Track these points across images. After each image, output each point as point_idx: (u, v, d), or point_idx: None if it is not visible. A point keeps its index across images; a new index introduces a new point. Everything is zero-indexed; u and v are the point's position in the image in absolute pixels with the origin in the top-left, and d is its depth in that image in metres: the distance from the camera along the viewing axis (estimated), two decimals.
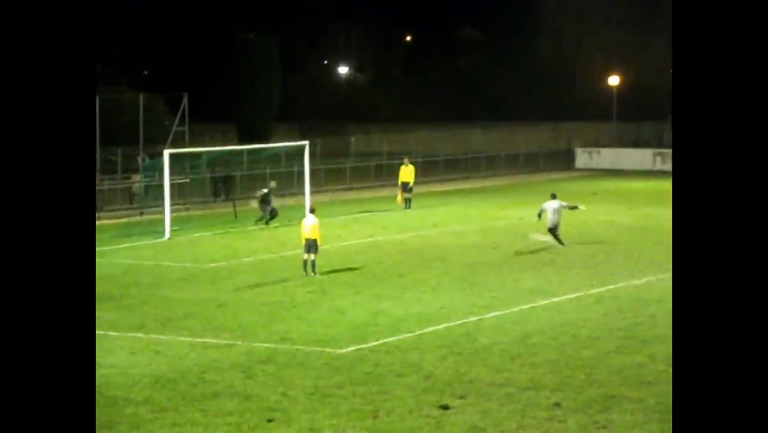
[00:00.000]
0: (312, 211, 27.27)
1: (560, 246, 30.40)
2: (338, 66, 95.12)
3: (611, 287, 24.75)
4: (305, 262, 26.36)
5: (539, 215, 31.10)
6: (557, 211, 30.61)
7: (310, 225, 26.36)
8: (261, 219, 36.57)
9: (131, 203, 43.36)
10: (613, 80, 69.32)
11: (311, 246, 26.20)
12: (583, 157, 64.27)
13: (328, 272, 26.68)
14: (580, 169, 62.51)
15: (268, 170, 47.71)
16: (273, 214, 36.72)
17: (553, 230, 30.67)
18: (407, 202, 42.12)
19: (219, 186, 46.34)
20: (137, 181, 44.00)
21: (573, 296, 23.70)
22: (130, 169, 45.31)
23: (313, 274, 26.10)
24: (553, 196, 31.19)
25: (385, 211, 41.56)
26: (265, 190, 37.42)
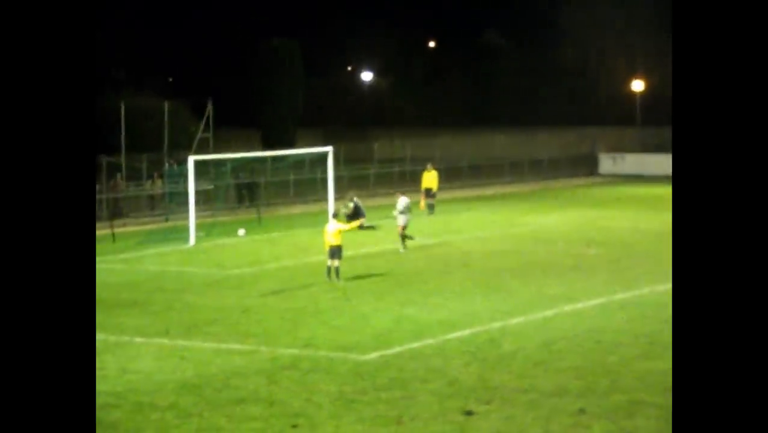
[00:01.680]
0: (335, 216, 27.31)
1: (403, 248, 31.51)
2: (362, 72, 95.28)
3: (635, 292, 24.69)
4: (329, 268, 26.43)
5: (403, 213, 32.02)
6: (408, 208, 32.11)
7: (333, 231, 26.44)
8: (369, 226, 36.33)
9: (152, 209, 43.56)
10: (637, 85, 69.12)
11: (335, 252, 26.28)
12: (606, 163, 64.10)
13: (352, 278, 26.75)
14: (603, 175, 62.34)
15: (291, 177, 47.88)
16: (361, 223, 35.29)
17: (404, 228, 31.73)
18: (430, 208, 42.13)
19: (243, 192, 46.51)
20: (158, 188, 44.16)
21: (597, 301, 23.66)
22: (153, 175, 45.51)
23: (336, 280, 26.17)
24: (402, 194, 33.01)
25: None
26: (351, 204, 37.25)
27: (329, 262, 26.44)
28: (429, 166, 43.83)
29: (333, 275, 26.29)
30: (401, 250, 31.84)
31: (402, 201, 32.43)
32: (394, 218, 32.71)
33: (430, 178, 42.87)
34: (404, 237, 32.14)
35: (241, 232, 34.14)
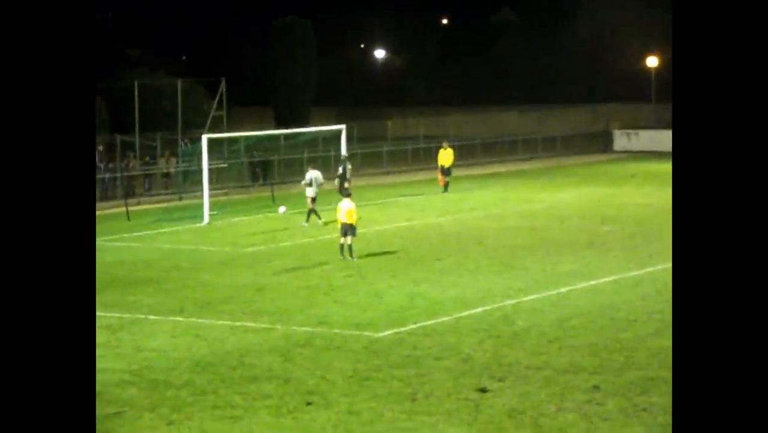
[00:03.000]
0: (348, 195, 27.32)
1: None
2: (375, 50, 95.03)
3: (650, 269, 24.64)
4: (342, 246, 26.46)
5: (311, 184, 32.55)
6: (318, 182, 32.77)
7: (346, 209, 26.45)
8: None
9: (166, 187, 43.63)
10: (652, 61, 68.76)
11: (347, 230, 26.30)
12: (621, 139, 63.85)
13: (366, 256, 26.76)
14: (617, 152, 62.11)
15: (305, 155, 47.84)
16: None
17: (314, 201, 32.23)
18: (445, 186, 42.10)
19: (257, 170, 46.52)
20: (171, 165, 44.21)
21: (611, 278, 23.62)
22: (165, 153, 45.55)
23: (350, 258, 26.19)
24: (314, 168, 33.36)
25: (423, 195, 41.56)
26: (339, 169, 37.01)
27: (342, 240, 26.46)
28: (444, 144, 43.77)
29: (346, 252, 26.31)
30: (304, 224, 32.53)
31: (309, 174, 33.17)
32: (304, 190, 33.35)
33: (445, 156, 42.82)
34: (312, 211, 32.64)
35: (282, 209, 33.43)
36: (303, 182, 33.78)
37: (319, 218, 32.60)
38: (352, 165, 40.81)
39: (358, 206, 27.28)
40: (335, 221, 27.45)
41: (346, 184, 35.70)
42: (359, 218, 26.30)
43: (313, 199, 32.96)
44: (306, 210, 33.17)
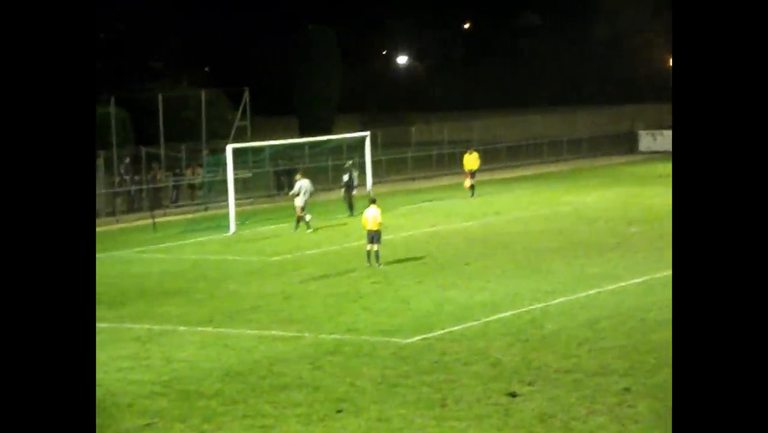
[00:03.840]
0: (373, 201, 27.35)
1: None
2: (397, 56, 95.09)
3: None
4: (368, 252, 26.48)
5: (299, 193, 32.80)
6: (307, 192, 33.26)
7: (372, 216, 26.46)
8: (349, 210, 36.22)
9: (192, 199, 43.78)
10: None
11: (374, 237, 26.32)
12: (646, 140, 63.55)
13: (392, 262, 26.74)
14: (643, 152, 61.82)
15: (330, 162, 47.91)
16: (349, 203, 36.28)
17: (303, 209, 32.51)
18: (471, 189, 42.06)
19: (282, 179, 46.61)
20: (198, 177, 44.40)
21: (639, 280, 23.50)
22: (191, 165, 45.70)
23: (377, 264, 26.20)
24: (304, 174, 34.11)
25: (448, 199, 41.52)
26: (345, 177, 37.06)
27: (368, 246, 26.49)
28: (471, 148, 43.81)
29: (373, 259, 26.32)
30: (293, 231, 33.26)
31: (299, 184, 33.67)
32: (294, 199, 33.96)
33: (472, 160, 42.80)
34: (300, 219, 33.24)
35: (634, 229, 31.50)
36: (291, 192, 34.53)
37: (308, 228, 33.37)
38: (377, 172, 40.83)
39: (383, 213, 27.26)
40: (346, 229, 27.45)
41: (354, 192, 35.85)
42: (381, 224, 26.30)
43: (302, 208, 33.60)
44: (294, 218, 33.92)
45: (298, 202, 33.72)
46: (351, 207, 36.64)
